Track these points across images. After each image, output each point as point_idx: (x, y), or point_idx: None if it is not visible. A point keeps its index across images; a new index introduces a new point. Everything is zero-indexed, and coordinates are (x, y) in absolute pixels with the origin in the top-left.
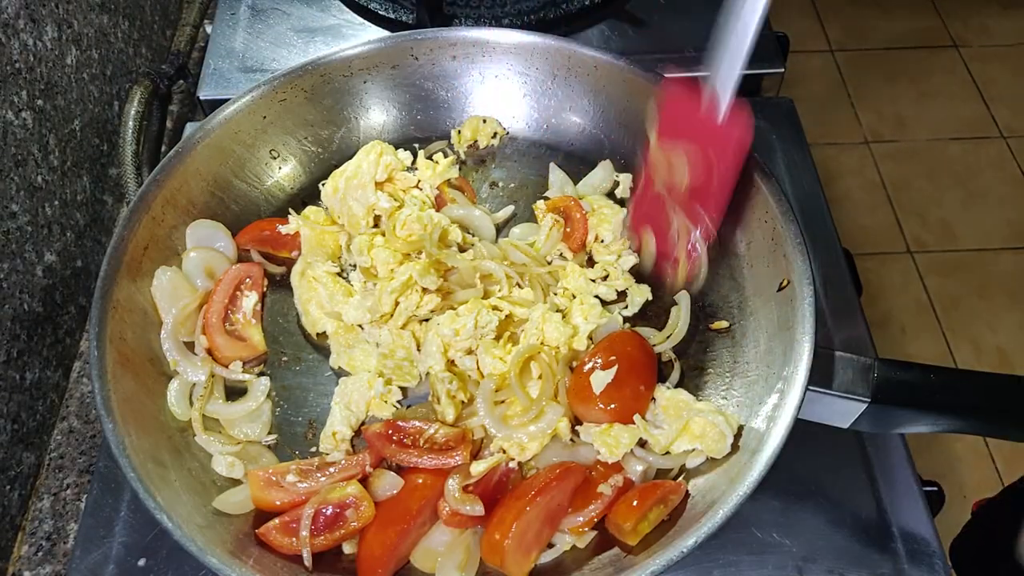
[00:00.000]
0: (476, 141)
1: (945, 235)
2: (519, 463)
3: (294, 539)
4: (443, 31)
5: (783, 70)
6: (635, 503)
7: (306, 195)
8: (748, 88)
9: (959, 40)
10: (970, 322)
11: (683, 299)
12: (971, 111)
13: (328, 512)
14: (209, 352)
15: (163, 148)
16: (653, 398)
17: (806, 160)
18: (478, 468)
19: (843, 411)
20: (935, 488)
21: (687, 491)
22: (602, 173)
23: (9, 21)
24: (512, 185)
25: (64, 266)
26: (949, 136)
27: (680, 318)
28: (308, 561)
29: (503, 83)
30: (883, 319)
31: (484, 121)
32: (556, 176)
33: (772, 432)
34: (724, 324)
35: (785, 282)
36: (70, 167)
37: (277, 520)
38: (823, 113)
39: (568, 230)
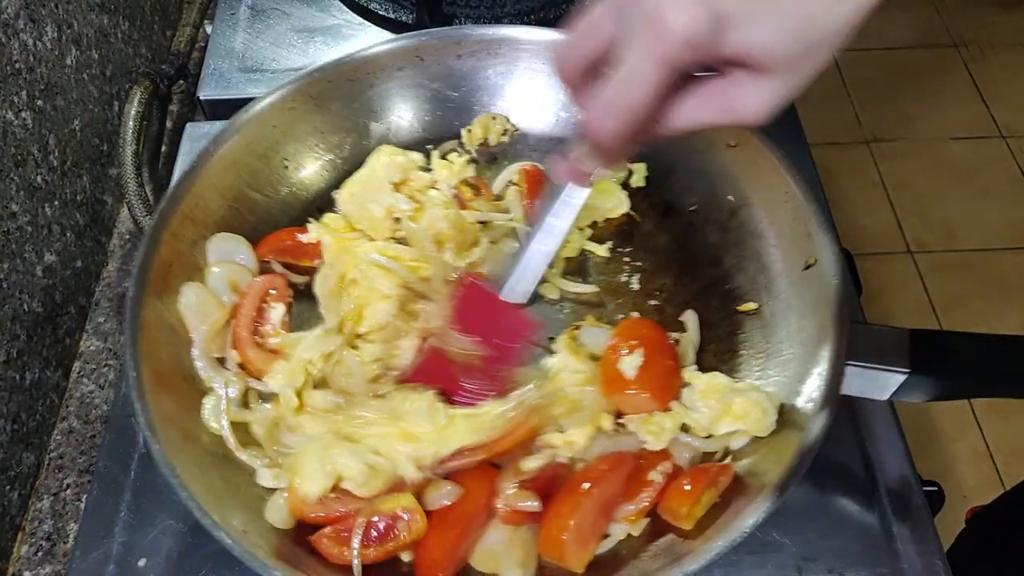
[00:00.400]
0: (487, 139)
1: (945, 235)
2: (569, 458)
3: (345, 549)
4: (448, 31)
5: None
6: (687, 487)
7: (322, 202)
8: None
9: (959, 40)
10: (970, 322)
11: (690, 318)
12: (971, 111)
13: (380, 524)
14: (241, 366)
15: (163, 148)
16: (689, 383)
17: (806, 160)
18: (530, 465)
19: (883, 384)
20: (935, 488)
21: (736, 472)
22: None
23: (9, 21)
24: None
25: (64, 266)
26: (949, 136)
27: (690, 339)
28: (358, 572)
29: (511, 80)
30: (883, 319)
31: (494, 119)
32: None
33: (817, 408)
34: (752, 306)
35: (812, 260)
36: (70, 167)
37: (330, 529)
38: (823, 113)
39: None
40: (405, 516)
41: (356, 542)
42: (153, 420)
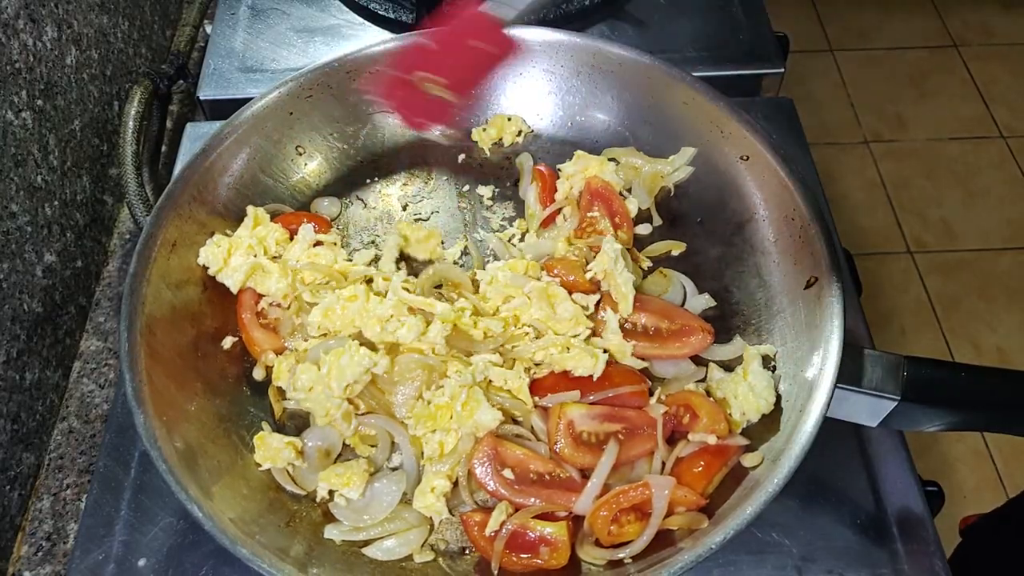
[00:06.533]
0: (501, 139)
1: (945, 235)
2: None
3: (489, 545)
4: None
5: (783, 70)
6: (701, 468)
7: (331, 192)
8: (748, 88)
9: (959, 40)
10: (970, 322)
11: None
12: (971, 111)
13: (527, 536)
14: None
15: (163, 148)
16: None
17: (806, 160)
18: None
19: (872, 409)
20: (935, 488)
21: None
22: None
23: (9, 21)
24: None
25: (64, 266)
26: (949, 136)
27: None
28: (495, 570)
29: (528, 81)
30: (883, 319)
31: (509, 119)
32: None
33: (801, 430)
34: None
35: (812, 279)
36: (70, 167)
37: (482, 517)
38: (823, 113)
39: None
40: (553, 541)
41: (500, 545)
42: (142, 392)
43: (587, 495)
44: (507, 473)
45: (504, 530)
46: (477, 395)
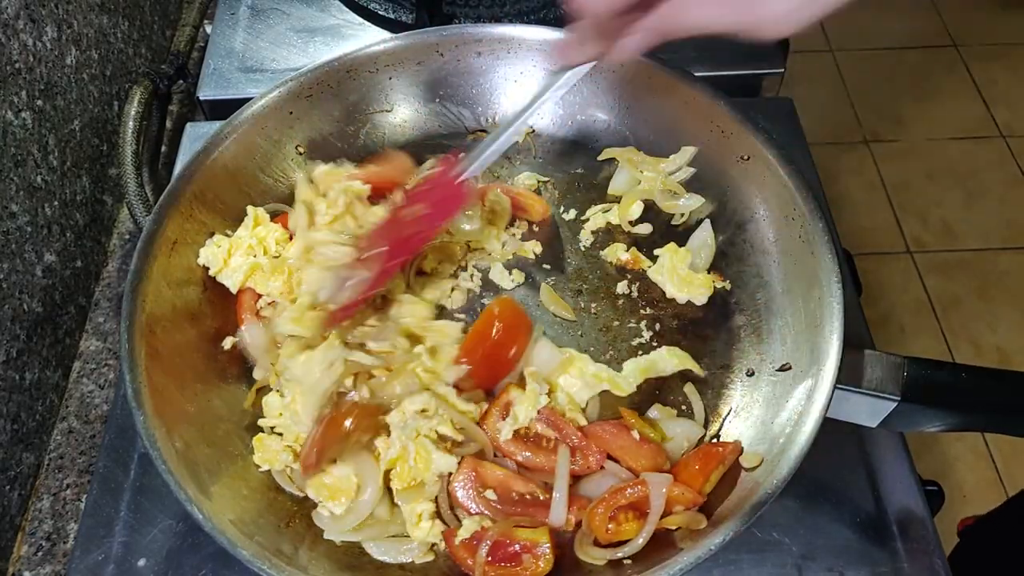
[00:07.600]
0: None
1: (945, 235)
2: None
3: (471, 558)
4: (468, 27)
5: (783, 70)
6: (697, 467)
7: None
8: (748, 88)
9: (959, 40)
10: (970, 322)
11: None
12: (971, 111)
13: (510, 548)
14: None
15: (163, 148)
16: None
17: (806, 160)
18: None
19: (872, 410)
20: (935, 488)
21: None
22: (627, 174)
23: (9, 21)
24: None
25: (64, 266)
26: (949, 136)
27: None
28: None
29: (528, 80)
30: (883, 319)
31: None
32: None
33: (800, 430)
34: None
35: (814, 279)
36: (70, 167)
37: (465, 531)
38: (823, 113)
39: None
40: (536, 550)
41: (482, 555)
42: (142, 392)
43: (557, 505)
44: (489, 494)
45: (485, 543)
46: (426, 446)
